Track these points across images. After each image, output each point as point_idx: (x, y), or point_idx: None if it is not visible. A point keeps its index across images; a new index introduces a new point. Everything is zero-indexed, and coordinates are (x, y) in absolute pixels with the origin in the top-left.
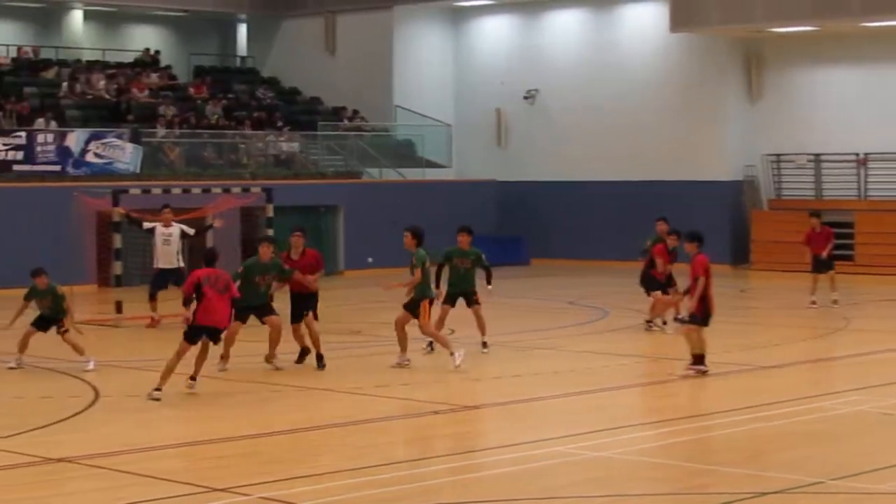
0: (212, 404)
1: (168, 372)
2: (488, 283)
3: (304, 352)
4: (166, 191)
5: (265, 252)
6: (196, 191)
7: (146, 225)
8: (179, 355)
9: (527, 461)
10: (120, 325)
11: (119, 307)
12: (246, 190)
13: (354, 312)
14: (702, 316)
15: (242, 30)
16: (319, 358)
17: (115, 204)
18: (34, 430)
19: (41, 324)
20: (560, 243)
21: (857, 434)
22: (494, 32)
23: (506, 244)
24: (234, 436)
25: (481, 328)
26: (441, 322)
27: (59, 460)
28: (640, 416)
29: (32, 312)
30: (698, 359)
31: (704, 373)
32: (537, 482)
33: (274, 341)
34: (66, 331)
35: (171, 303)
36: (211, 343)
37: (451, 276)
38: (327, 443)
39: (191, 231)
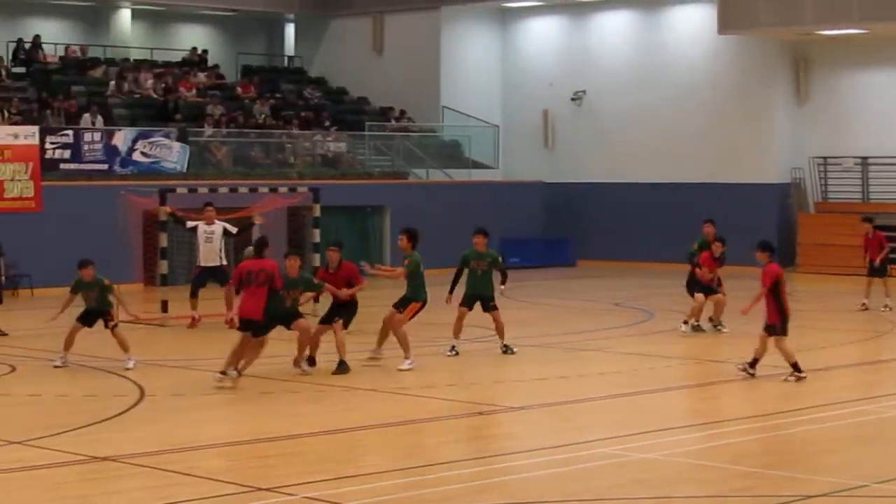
0: (257, 404)
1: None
2: (502, 283)
3: (311, 360)
4: (213, 190)
5: (292, 266)
6: (243, 190)
7: (190, 223)
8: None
9: (573, 462)
10: (165, 324)
11: (165, 306)
12: (292, 190)
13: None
14: (780, 325)
15: (290, 29)
16: (341, 364)
17: (162, 203)
18: (79, 428)
19: (86, 319)
20: (606, 244)
21: None
22: (542, 33)
23: (552, 245)
24: (279, 435)
25: (500, 332)
26: (459, 324)
27: (104, 459)
28: (686, 419)
29: (76, 309)
30: (795, 366)
31: (803, 378)
32: (583, 483)
33: (303, 344)
34: (115, 325)
35: (214, 301)
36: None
37: (468, 279)
38: (373, 443)
39: (234, 229)
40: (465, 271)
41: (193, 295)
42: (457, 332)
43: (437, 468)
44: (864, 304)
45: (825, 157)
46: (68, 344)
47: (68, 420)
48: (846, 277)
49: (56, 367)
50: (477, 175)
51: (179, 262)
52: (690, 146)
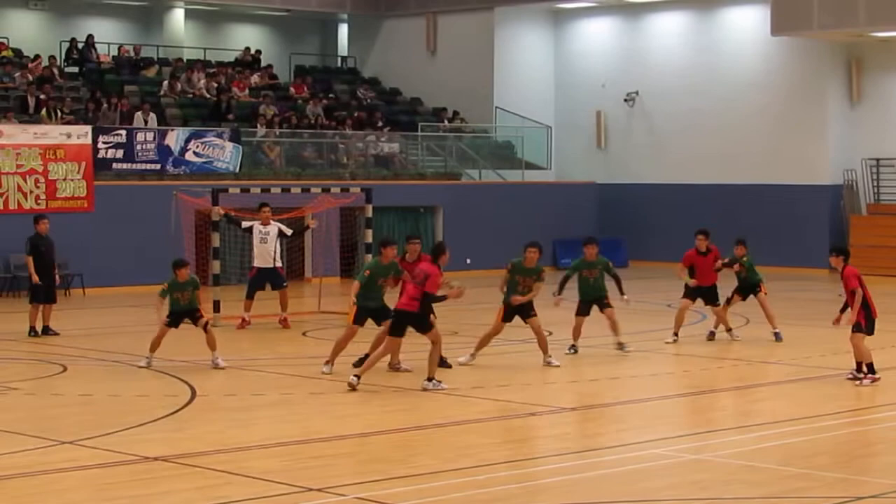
0: (309, 405)
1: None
2: (621, 292)
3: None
4: (265, 190)
5: (390, 254)
6: (295, 190)
7: (245, 224)
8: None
9: (625, 463)
10: (217, 324)
11: (217, 306)
12: (345, 190)
13: (452, 313)
14: (866, 324)
15: (344, 30)
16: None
17: (215, 203)
18: (130, 428)
19: (175, 320)
20: (659, 245)
21: None
22: (595, 34)
23: (605, 246)
24: (331, 436)
25: (614, 329)
26: (578, 331)
27: (155, 459)
28: (737, 420)
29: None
30: (870, 367)
31: (877, 380)
32: (636, 484)
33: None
34: (207, 322)
35: (265, 302)
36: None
37: (580, 287)
38: (425, 443)
39: (288, 231)
40: (574, 279)
41: (250, 297)
42: (576, 336)
43: (488, 469)
44: None
45: (878, 159)
46: (155, 346)
47: (119, 420)
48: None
49: (141, 367)
50: (529, 176)
51: (232, 262)
52: (742, 148)
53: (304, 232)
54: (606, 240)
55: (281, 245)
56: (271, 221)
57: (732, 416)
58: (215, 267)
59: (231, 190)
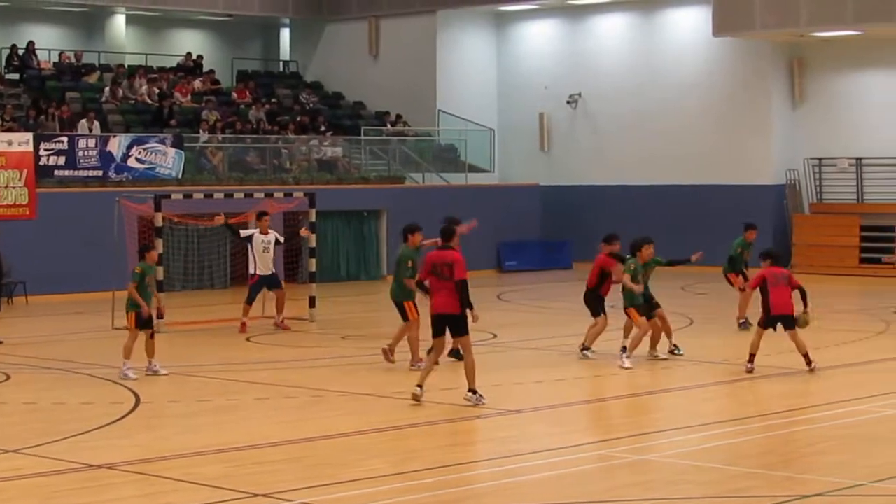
0: (254, 410)
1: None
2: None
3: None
4: (209, 196)
5: (416, 240)
6: (239, 195)
7: (244, 233)
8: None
9: (571, 465)
10: (159, 331)
11: (160, 312)
12: (289, 195)
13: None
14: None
15: (286, 34)
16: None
17: (158, 209)
18: (75, 436)
19: (146, 324)
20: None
21: None
22: (538, 37)
23: (549, 248)
24: (277, 441)
25: (668, 333)
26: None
27: (100, 467)
28: (683, 420)
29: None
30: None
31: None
32: (580, 487)
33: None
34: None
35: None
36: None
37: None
38: (372, 447)
39: (282, 239)
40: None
41: (250, 302)
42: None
43: (436, 472)
44: None
45: (820, 159)
46: (128, 353)
47: (64, 428)
48: (841, 278)
49: (132, 378)
50: (473, 179)
51: (175, 268)
52: (686, 148)
53: (294, 239)
54: (550, 242)
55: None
56: (270, 231)
57: (678, 417)
58: (159, 273)
59: (174, 196)
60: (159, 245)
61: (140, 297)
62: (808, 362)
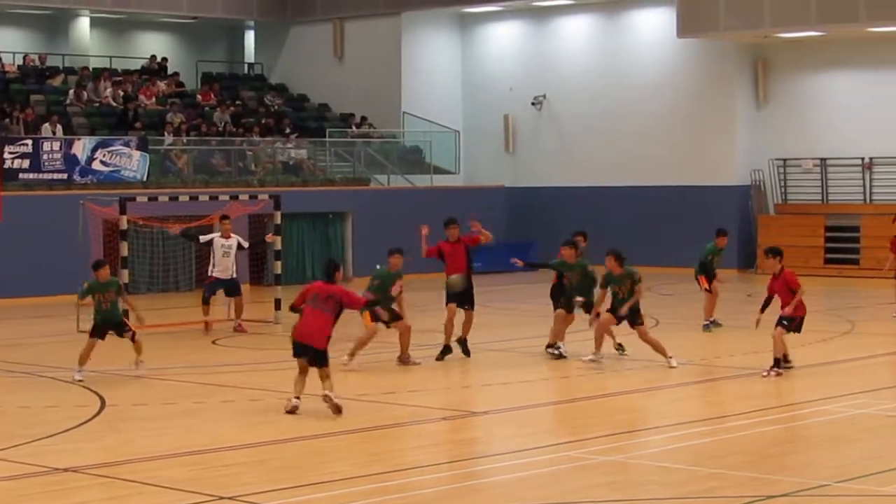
0: (220, 413)
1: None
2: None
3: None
4: (174, 198)
5: (396, 263)
6: (204, 198)
7: (203, 238)
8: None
9: (538, 466)
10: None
11: (126, 315)
12: (254, 197)
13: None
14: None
15: (250, 36)
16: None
17: (123, 212)
18: (39, 440)
19: (100, 331)
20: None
21: (862, 437)
22: (502, 38)
23: (515, 250)
24: (242, 444)
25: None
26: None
27: (65, 470)
28: (648, 421)
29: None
30: (777, 361)
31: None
32: (549, 487)
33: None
34: (134, 333)
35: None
36: None
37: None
38: (337, 449)
39: (246, 244)
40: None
41: (206, 302)
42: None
43: (400, 474)
44: None
45: (785, 160)
46: (84, 359)
47: (29, 431)
48: (806, 278)
49: (78, 380)
50: (438, 180)
51: (141, 271)
52: (651, 149)
53: (260, 244)
54: (516, 243)
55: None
56: (231, 235)
57: (644, 418)
58: (124, 276)
59: (139, 199)
60: (124, 248)
61: (96, 310)
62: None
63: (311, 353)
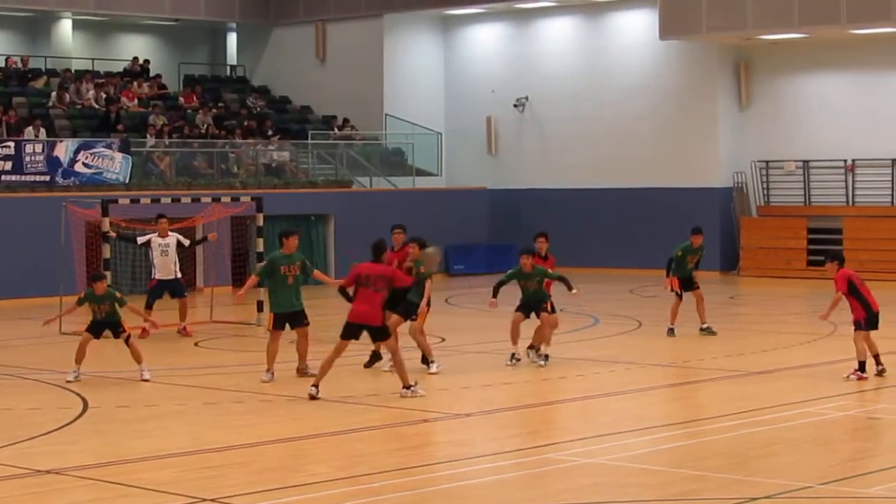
0: (202, 415)
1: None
2: (570, 289)
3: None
4: (156, 200)
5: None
6: (186, 200)
7: (141, 239)
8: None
9: (520, 468)
10: (108, 336)
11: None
12: (236, 199)
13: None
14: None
15: (232, 38)
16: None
17: (105, 214)
18: (22, 442)
19: (95, 329)
20: (551, 250)
21: (845, 439)
22: (484, 40)
23: (497, 252)
24: (224, 446)
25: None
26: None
27: (48, 472)
28: (631, 423)
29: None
30: (861, 365)
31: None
32: (531, 490)
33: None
34: (129, 336)
35: (167, 312)
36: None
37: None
38: (319, 452)
39: (186, 241)
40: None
41: (149, 307)
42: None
43: (383, 476)
44: None
45: (767, 161)
46: (80, 357)
47: (11, 433)
48: (788, 280)
49: (69, 381)
50: (420, 182)
51: (123, 273)
52: (633, 151)
53: (202, 243)
54: (498, 245)
55: (180, 255)
56: (169, 233)
57: (626, 420)
58: (107, 278)
59: (121, 201)
60: (106, 250)
61: (94, 315)
62: (879, 363)
63: (371, 331)
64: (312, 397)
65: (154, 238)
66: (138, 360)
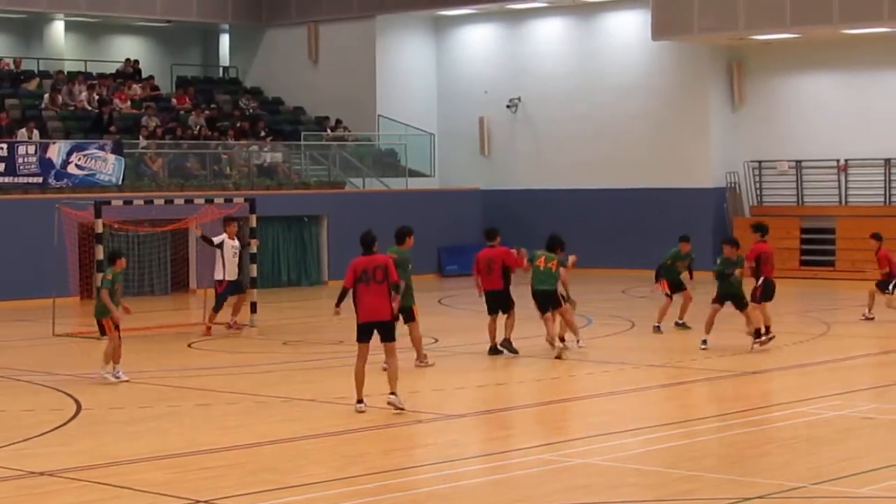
0: (196, 416)
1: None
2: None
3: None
4: (149, 202)
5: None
6: (179, 202)
7: (216, 240)
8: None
9: (513, 469)
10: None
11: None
12: (229, 200)
13: (336, 322)
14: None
15: (225, 40)
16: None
17: (98, 215)
18: (16, 443)
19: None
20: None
21: (838, 438)
22: (477, 41)
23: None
24: (219, 447)
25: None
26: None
27: (41, 474)
28: (624, 423)
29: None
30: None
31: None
32: (525, 490)
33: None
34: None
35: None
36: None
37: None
38: (314, 452)
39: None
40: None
41: (217, 310)
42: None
43: (377, 477)
44: None
45: (760, 161)
46: (117, 356)
47: (5, 435)
48: (781, 280)
49: (120, 380)
50: (413, 183)
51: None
52: (625, 152)
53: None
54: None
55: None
56: (235, 237)
57: (619, 420)
58: (99, 280)
59: (114, 202)
60: (99, 251)
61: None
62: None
63: (381, 328)
64: (360, 411)
65: (227, 240)
66: (117, 359)
